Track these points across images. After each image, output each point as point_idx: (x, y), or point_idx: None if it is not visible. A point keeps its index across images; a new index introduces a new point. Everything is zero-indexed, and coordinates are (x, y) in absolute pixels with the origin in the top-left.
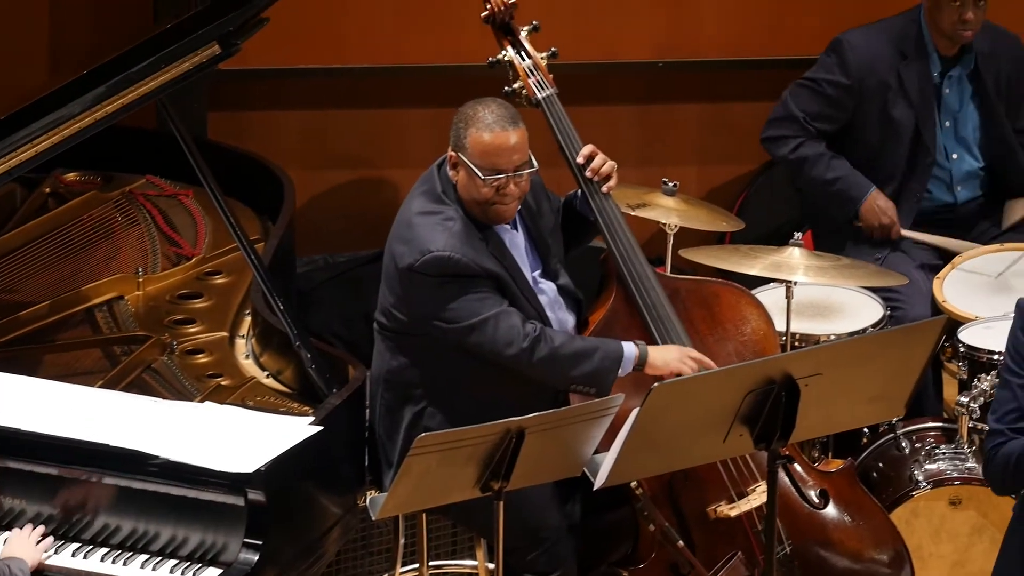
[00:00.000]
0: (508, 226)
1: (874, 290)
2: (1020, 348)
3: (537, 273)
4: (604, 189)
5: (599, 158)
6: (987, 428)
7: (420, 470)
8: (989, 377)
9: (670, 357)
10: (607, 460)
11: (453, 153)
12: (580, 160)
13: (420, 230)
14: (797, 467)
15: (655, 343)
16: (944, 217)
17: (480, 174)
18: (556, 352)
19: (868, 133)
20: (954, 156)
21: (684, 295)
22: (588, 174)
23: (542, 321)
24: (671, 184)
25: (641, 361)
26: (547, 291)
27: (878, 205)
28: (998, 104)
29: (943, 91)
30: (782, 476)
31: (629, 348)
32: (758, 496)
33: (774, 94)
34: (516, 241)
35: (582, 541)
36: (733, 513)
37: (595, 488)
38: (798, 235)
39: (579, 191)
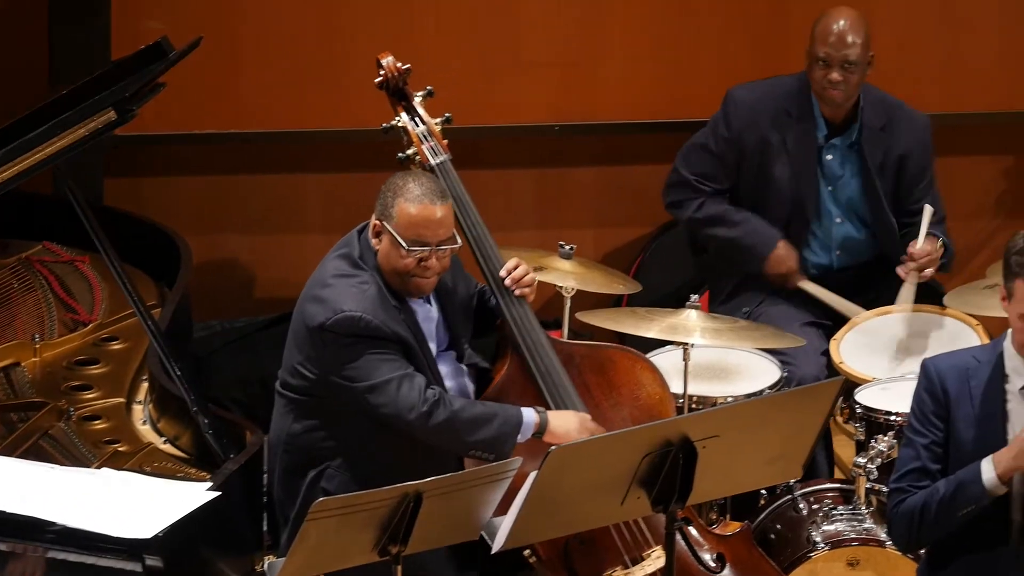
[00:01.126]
0: (422, 299)
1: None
2: (924, 408)
3: (443, 348)
4: (517, 293)
5: (521, 268)
6: (884, 488)
7: (318, 535)
8: (886, 438)
9: (570, 426)
10: (505, 523)
11: (378, 221)
12: (503, 273)
13: (334, 291)
14: (693, 531)
15: (549, 409)
16: (820, 279)
17: (404, 244)
18: (455, 416)
19: (748, 189)
20: (837, 220)
21: (579, 361)
22: (508, 283)
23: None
24: (567, 247)
25: (541, 428)
26: (449, 362)
27: (778, 254)
28: (879, 179)
29: (824, 156)
30: (678, 540)
31: (529, 415)
32: (653, 561)
33: (670, 156)
34: (430, 315)
35: None
36: None
37: (492, 552)
38: (695, 297)
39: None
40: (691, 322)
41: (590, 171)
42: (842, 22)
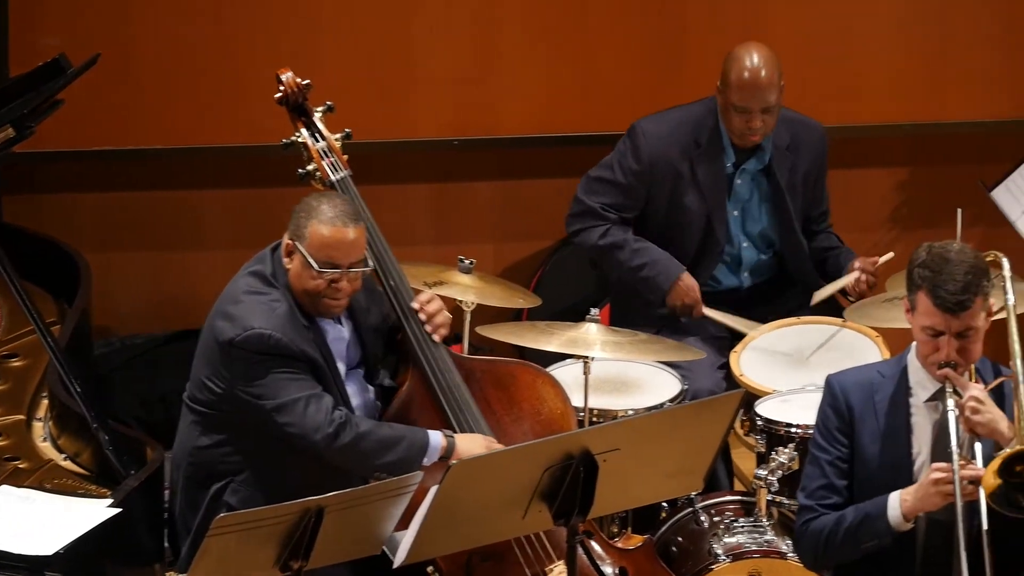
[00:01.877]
0: (334, 319)
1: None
2: (828, 424)
3: (352, 367)
4: (435, 336)
5: (435, 303)
6: (785, 500)
7: (219, 550)
8: (787, 450)
9: (476, 450)
10: (406, 538)
11: (290, 241)
12: (416, 306)
13: (245, 308)
14: (596, 545)
15: (451, 425)
16: (730, 299)
17: (315, 266)
18: (362, 439)
19: (658, 218)
20: (744, 244)
21: (480, 376)
22: (422, 316)
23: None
24: (467, 262)
25: (448, 452)
26: (356, 381)
27: (681, 285)
28: (790, 199)
29: (735, 182)
30: (581, 554)
31: (436, 438)
32: None
33: (569, 170)
34: (341, 335)
35: None
36: None
37: (395, 567)
38: (595, 311)
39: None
40: (591, 336)
41: (489, 185)
42: (756, 59)
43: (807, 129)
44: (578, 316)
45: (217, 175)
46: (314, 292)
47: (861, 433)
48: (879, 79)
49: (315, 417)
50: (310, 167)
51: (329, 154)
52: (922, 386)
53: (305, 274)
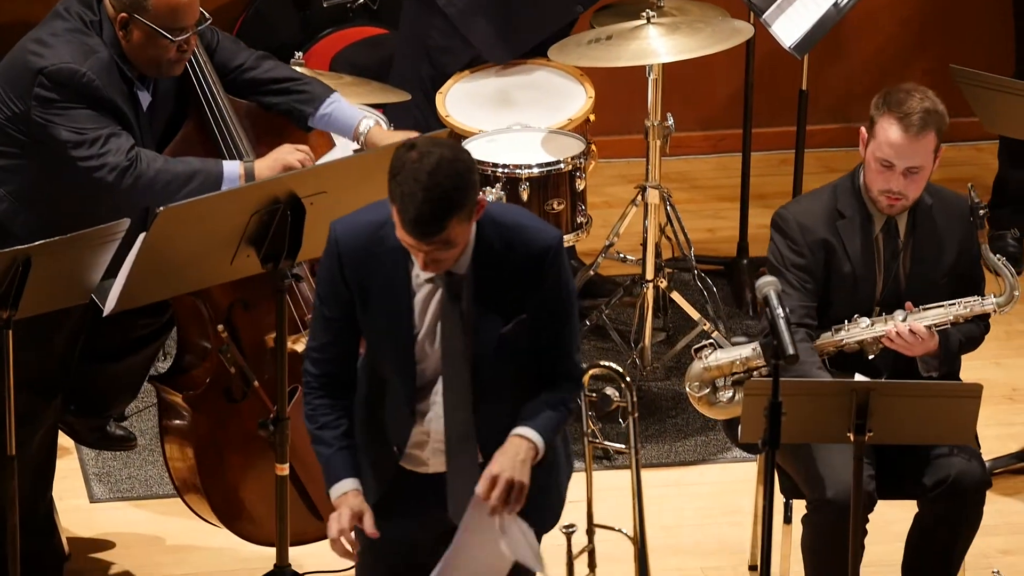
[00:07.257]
0: (144, 87)
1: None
2: (328, 282)
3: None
4: None
5: None
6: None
7: None
8: (493, 189)
9: (278, 155)
10: (115, 286)
11: (125, 14)
12: None
13: (64, 42)
14: None
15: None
16: None
17: (169, 36)
18: (157, 175)
19: None
20: None
21: (255, 119)
22: None
23: None
24: None
25: (249, 175)
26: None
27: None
28: None
29: None
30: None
31: (231, 168)
32: None
33: None
34: (145, 102)
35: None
36: (300, 348)
37: (104, 315)
38: (298, 54)
39: None
40: None
41: None
42: None
43: None
44: (282, 59)
45: None
46: (164, 61)
47: (364, 301)
48: None
49: (112, 153)
50: None
51: None
52: None
53: (152, 46)
